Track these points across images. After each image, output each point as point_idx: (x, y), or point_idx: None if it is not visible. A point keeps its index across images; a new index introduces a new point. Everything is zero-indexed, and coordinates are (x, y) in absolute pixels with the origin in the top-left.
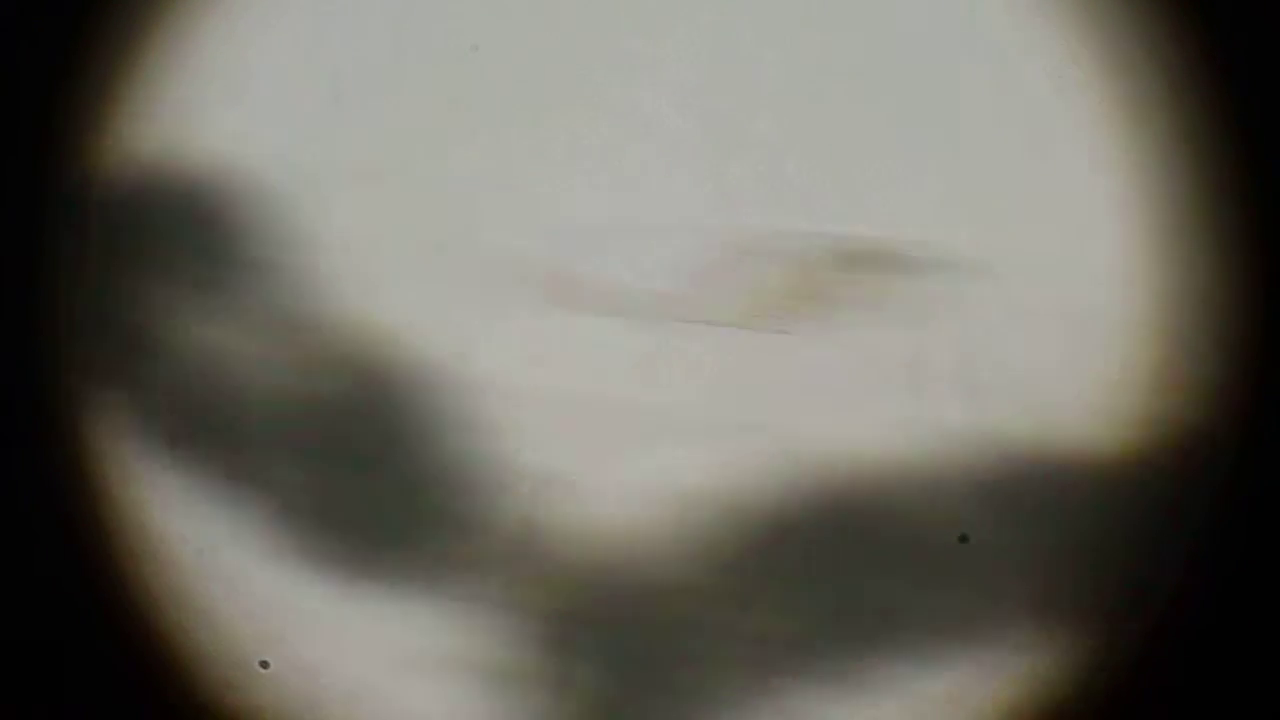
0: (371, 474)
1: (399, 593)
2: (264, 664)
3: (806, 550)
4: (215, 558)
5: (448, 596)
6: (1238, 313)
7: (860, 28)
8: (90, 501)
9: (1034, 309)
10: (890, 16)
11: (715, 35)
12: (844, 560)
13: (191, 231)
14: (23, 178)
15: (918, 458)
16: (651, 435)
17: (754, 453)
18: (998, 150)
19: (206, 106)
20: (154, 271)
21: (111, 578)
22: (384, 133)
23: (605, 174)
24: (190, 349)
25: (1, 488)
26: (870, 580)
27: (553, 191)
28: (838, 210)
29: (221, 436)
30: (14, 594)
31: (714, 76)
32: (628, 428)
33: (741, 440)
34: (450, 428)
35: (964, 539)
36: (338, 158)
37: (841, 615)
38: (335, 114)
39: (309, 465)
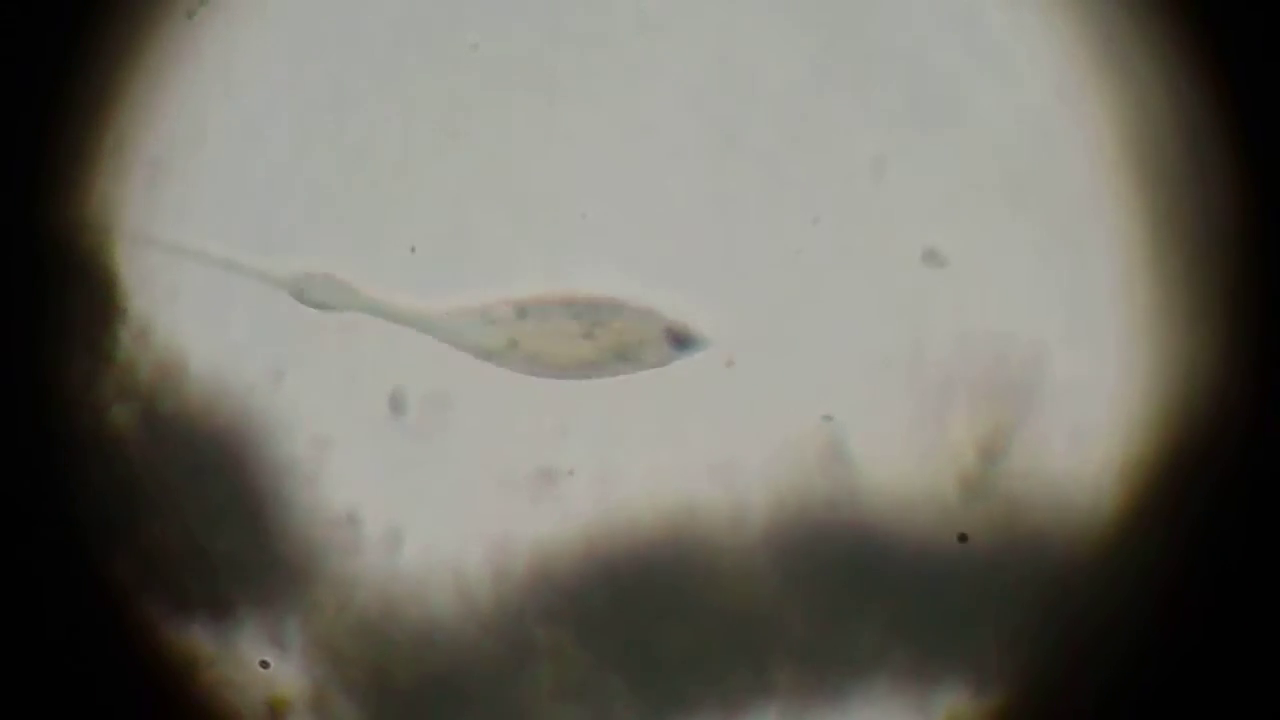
0: None
1: None
2: (264, 664)
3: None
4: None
5: None
6: (1237, 316)
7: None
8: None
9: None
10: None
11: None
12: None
13: None
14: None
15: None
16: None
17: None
18: (997, 151)
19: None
20: None
21: (111, 579)
22: None
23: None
24: None
25: (3, 494)
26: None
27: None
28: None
29: None
30: (15, 595)
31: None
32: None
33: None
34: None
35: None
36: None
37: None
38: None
39: None
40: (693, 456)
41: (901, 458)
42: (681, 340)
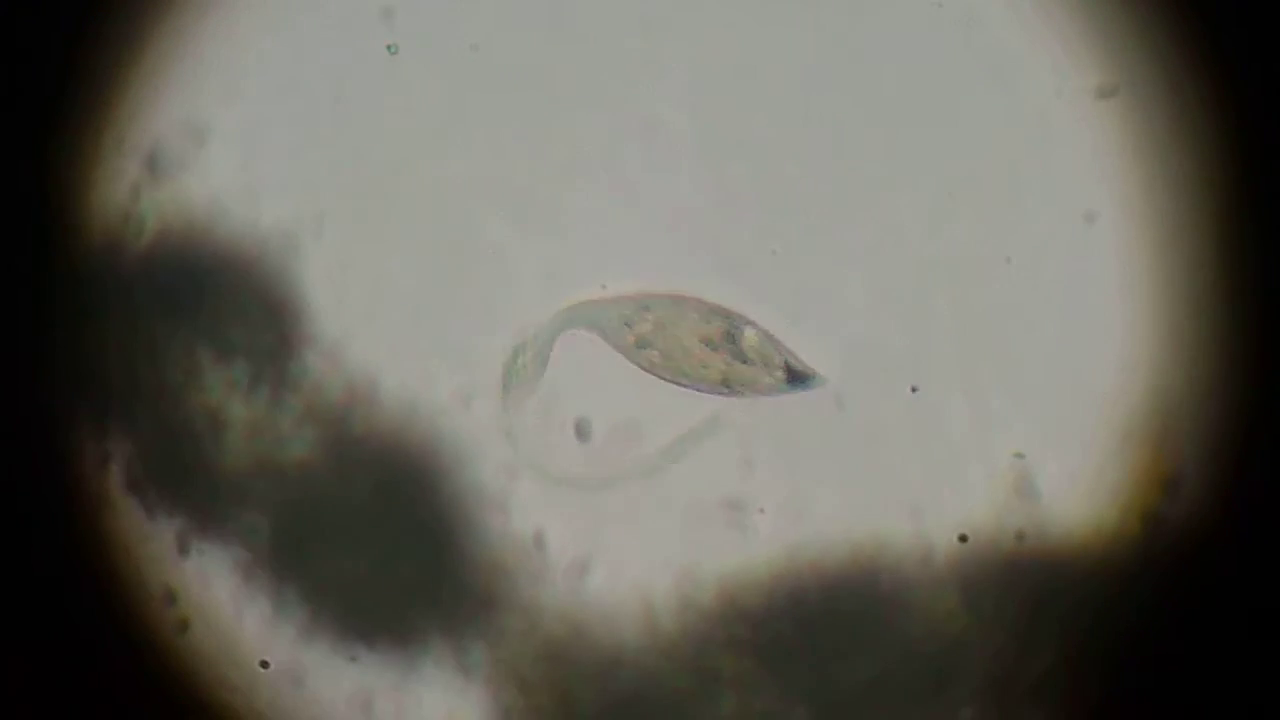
0: (389, 549)
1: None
2: (264, 664)
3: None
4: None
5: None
6: (1235, 325)
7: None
8: (90, 505)
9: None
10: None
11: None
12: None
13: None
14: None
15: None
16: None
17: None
18: (996, 154)
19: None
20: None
21: (110, 579)
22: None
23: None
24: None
25: (4, 494)
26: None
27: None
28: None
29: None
30: (16, 596)
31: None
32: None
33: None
34: (471, 502)
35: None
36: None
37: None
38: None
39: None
40: (881, 489)
41: (1088, 493)
42: (799, 377)
